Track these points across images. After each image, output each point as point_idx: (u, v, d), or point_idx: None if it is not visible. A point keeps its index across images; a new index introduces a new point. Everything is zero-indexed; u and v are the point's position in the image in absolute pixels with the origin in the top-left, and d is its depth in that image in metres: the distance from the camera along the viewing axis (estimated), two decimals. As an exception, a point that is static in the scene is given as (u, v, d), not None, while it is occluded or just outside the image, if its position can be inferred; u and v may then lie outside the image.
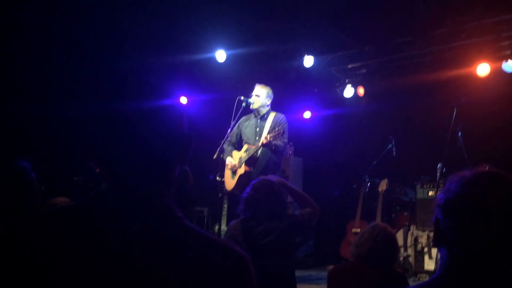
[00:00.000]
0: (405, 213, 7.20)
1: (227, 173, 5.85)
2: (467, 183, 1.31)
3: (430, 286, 1.35)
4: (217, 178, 5.84)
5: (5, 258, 0.97)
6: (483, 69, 7.23)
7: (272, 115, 5.81)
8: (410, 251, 6.67)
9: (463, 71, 7.35)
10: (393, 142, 7.42)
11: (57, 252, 0.97)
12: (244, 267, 1.06)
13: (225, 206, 6.31)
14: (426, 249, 6.51)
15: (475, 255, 1.28)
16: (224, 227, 6.10)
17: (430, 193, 6.56)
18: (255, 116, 5.87)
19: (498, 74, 7.20)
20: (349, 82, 8.86)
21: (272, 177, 3.64)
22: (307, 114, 9.58)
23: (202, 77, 8.03)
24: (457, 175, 1.35)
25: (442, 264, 1.36)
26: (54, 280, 0.94)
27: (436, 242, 1.39)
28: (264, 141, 5.34)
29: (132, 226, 1.02)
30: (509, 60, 7.03)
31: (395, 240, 3.15)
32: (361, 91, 8.75)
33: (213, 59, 7.80)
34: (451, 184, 1.34)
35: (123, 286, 0.96)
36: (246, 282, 1.05)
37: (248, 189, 3.50)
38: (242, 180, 5.57)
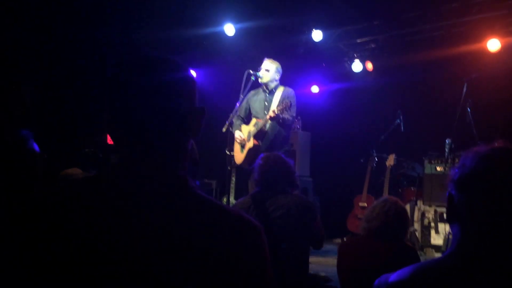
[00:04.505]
0: (412, 188, 7.22)
1: (236, 147, 5.88)
2: (482, 158, 1.28)
3: (443, 263, 1.32)
4: (227, 152, 5.88)
5: (24, 231, 1.00)
6: (493, 45, 7.17)
7: (280, 89, 5.81)
8: (416, 225, 6.71)
9: (474, 46, 7.28)
10: (401, 117, 7.40)
11: (75, 224, 1.00)
12: (256, 235, 1.08)
13: (233, 179, 6.36)
14: (432, 224, 6.55)
15: (490, 231, 1.26)
16: (232, 200, 6.16)
17: (438, 168, 6.56)
18: (264, 91, 5.86)
19: (508, 50, 7.14)
20: (357, 57, 8.81)
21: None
22: (315, 89, 9.55)
23: (211, 50, 8.01)
24: (472, 150, 1.33)
25: (454, 240, 1.34)
26: (71, 250, 0.97)
27: (449, 218, 1.37)
28: (272, 115, 5.35)
29: (146, 196, 1.04)
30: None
31: (406, 214, 3.14)
32: (369, 65, 8.70)
33: (222, 33, 7.77)
34: (466, 159, 1.32)
35: (138, 255, 0.97)
36: (258, 250, 1.07)
37: (258, 160, 3.53)
38: (251, 154, 5.60)
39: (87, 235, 0.99)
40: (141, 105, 1.09)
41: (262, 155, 3.61)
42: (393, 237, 3.00)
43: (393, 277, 1.34)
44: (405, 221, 3.11)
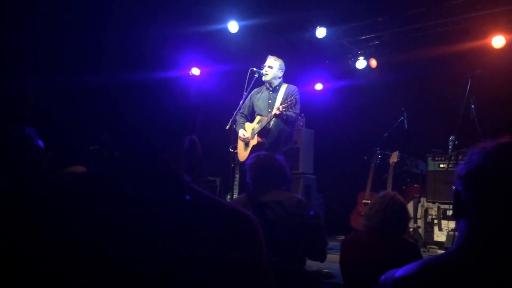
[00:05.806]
0: (416, 185, 7.22)
1: (240, 144, 5.88)
2: (489, 154, 1.28)
3: (448, 258, 1.32)
4: (230, 149, 5.88)
5: (19, 225, 0.99)
6: (498, 41, 7.16)
7: (284, 86, 5.80)
8: (420, 222, 6.71)
9: (478, 42, 7.27)
10: (405, 114, 7.39)
11: (71, 219, 0.99)
12: (252, 228, 1.08)
13: (237, 176, 6.36)
14: (436, 221, 6.55)
15: (496, 226, 1.25)
16: (236, 197, 6.16)
17: (442, 165, 6.56)
18: (267, 88, 5.86)
19: (513, 46, 7.13)
20: (361, 54, 8.80)
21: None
22: (318, 86, 9.54)
23: (214, 48, 8.01)
24: (479, 146, 1.32)
25: (460, 236, 1.33)
26: (67, 246, 0.97)
27: (455, 213, 1.37)
28: (277, 112, 5.35)
29: (142, 190, 1.05)
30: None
31: (405, 209, 3.14)
32: (373, 63, 8.69)
33: (226, 30, 7.77)
34: (472, 155, 1.31)
35: (134, 249, 0.98)
36: (255, 243, 1.07)
37: (248, 160, 3.53)
38: (255, 151, 5.58)
39: (77, 231, 0.98)
40: (135, 103, 1.10)
41: (252, 155, 3.61)
42: (394, 233, 3.01)
43: (399, 272, 1.33)
44: (404, 216, 3.11)
